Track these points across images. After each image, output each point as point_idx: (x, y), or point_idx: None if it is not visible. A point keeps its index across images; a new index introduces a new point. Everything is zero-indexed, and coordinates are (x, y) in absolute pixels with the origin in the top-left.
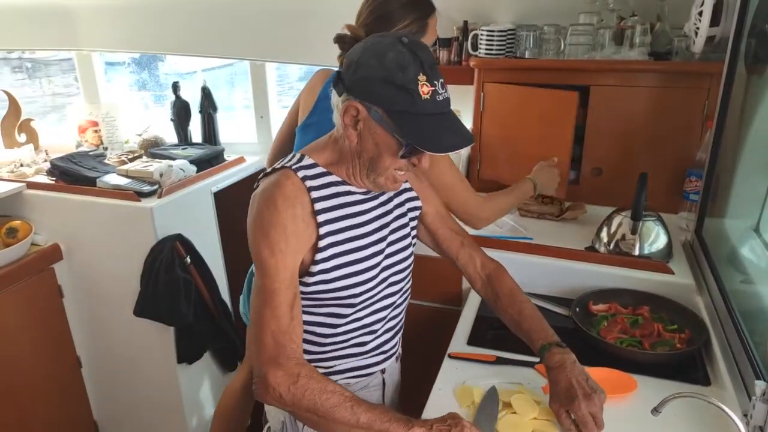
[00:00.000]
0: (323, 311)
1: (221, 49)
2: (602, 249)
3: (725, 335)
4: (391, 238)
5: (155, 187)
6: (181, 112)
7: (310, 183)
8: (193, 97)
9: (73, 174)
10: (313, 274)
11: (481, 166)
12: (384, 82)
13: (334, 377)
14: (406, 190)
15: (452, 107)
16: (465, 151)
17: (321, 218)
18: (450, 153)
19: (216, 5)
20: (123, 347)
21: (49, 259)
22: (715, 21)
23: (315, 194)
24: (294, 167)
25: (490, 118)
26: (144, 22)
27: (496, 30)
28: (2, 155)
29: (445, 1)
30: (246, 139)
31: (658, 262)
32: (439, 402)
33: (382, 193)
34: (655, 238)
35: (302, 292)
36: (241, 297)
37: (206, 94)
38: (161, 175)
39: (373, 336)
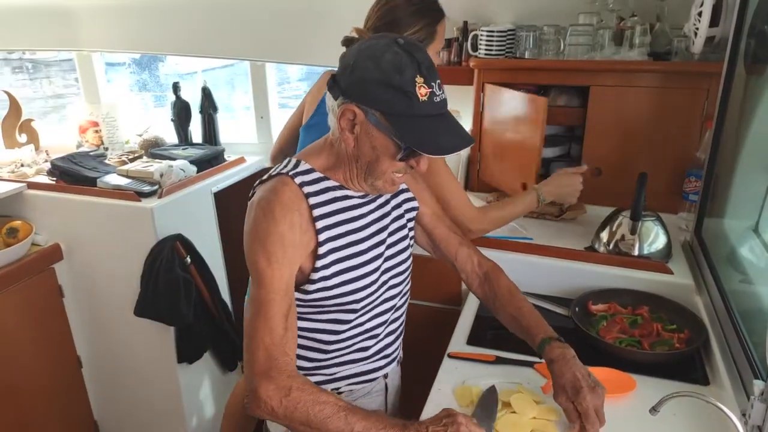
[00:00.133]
0: (325, 318)
1: (221, 50)
2: (602, 249)
3: (724, 335)
4: (389, 240)
5: (155, 187)
6: (181, 113)
7: (307, 189)
8: (193, 98)
9: (73, 174)
10: (313, 282)
11: (481, 167)
12: (381, 85)
13: (337, 384)
14: (402, 191)
15: (453, 107)
16: (465, 153)
17: (320, 224)
18: (448, 155)
19: (216, 5)
20: (123, 347)
21: (49, 259)
22: (714, 21)
23: (313, 200)
24: (291, 173)
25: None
26: (144, 22)
27: (496, 30)
28: (3, 155)
29: (445, 2)
30: (246, 140)
31: (658, 262)
32: (439, 402)
33: (379, 196)
34: (654, 238)
35: (303, 300)
36: (246, 297)
37: (206, 95)
38: (161, 176)
39: (375, 340)
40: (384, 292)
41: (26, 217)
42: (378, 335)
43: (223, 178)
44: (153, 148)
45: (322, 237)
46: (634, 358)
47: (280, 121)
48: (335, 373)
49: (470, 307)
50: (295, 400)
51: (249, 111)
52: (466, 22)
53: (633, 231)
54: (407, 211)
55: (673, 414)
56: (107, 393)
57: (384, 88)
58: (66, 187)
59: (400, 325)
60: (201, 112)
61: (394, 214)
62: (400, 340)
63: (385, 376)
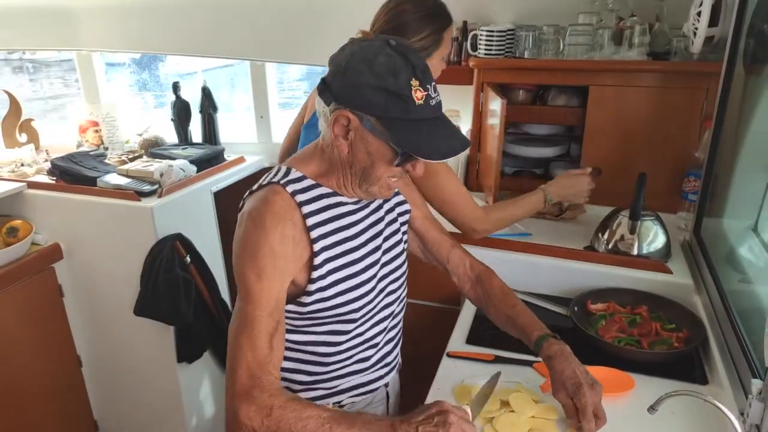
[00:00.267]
0: (323, 330)
1: (221, 49)
2: (601, 248)
3: (723, 334)
4: (385, 246)
5: (155, 186)
6: (181, 112)
7: (300, 197)
8: (193, 98)
9: (73, 174)
10: (310, 294)
11: (480, 167)
12: (376, 89)
13: (339, 397)
14: (394, 194)
15: (452, 107)
16: (464, 153)
17: (314, 234)
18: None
19: (216, 5)
20: (123, 346)
21: (49, 259)
22: (713, 21)
23: (306, 209)
24: (282, 182)
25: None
26: (144, 22)
27: (496, 30)
28: (3, 155)
29: (445, 2)
30: (246, 139)
31: (657, 262)
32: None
33: (373, 201)
34: (653, 237)
35: (300, 313)
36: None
37: (206, 94)
38: (161, 175)
39: (375, 350)
40: (382, 299)
41: (26, 217)
42: (378, 344)
43: (222, 178)
44: (153, 148)
45: (317, 247)
46: (632, 358)
47: (279, 120)
48: (336, 386)
49: (469, 306)
50: (277, 420)
51: (249, 111)
52: (465, 22)
53: (632, 230)
54: (400, 214)
55: (672, 413)
56: (107, 392)
57: (379, 93)
58: (66, 186)
59: (399, 331)
60: (201, 111)
61: (388, 218)
62: (399, 347)
63: (386, 384)
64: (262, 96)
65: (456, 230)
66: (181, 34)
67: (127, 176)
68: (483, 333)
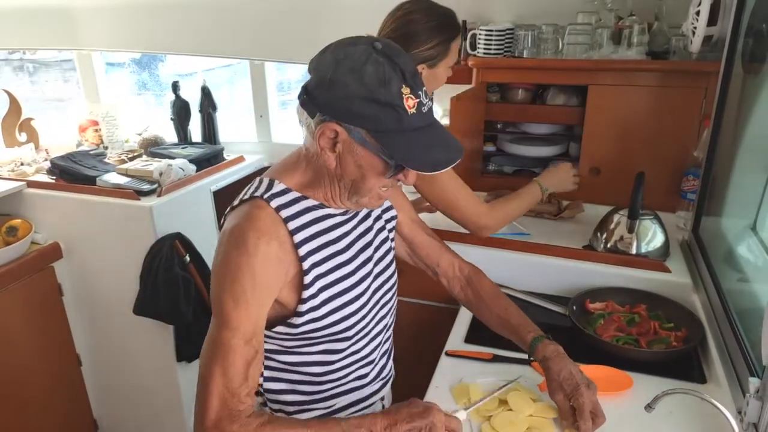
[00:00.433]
0: (316, 349)
1: (221, 49)
2: (600, 248)
3: (721, 333)
4: (376, 256)
5: (155, 186)
6: (180, 112)
7: (285, 212)
8: (193, 97)
9: (73, 173)
10: (301, 314)
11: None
12: (365, 101)
13: (335, 416)
14: None
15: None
16: None
17: (303, 251)
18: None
19: (216, 5)
20: (122, 345)
21: (49, 258)
22: (712, 21)
23: (292, 225)
24: (266, 197)
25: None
26: (144, 22)
27: (495, 30)
28: (3, 154)
29: (444, 2)
30: (245, 139)
31: (655, 261)
32: (436, 399)
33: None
34: (652, 236)
35: (291, 335)
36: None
37: (206, 94)
38: (161, 174)
39: (371, 366)
40: (377, 313)
41: (26, 216)
42: (374, 360)
43: (222, 177)
44: (152, 147)
45: (306, 264)
46: (631, 356)
47: (279, 120)
48: (332, 405)
49: None
50: None
51: (249, 110)
52: (464, 21)
53: (631, 230)
54: (387, 221)
55: (670, 412)
56: (106, 391)
57: (368, 104)
58: (65, 185)
59: (391, 343)
60: (200, 111)
61: (377, 226)
62: (391, 359)
63: (382, 398)
64: (261, 95)
65: (464, 230)
66: (180, 34)
67: (127, 175)
68: (481, 332)
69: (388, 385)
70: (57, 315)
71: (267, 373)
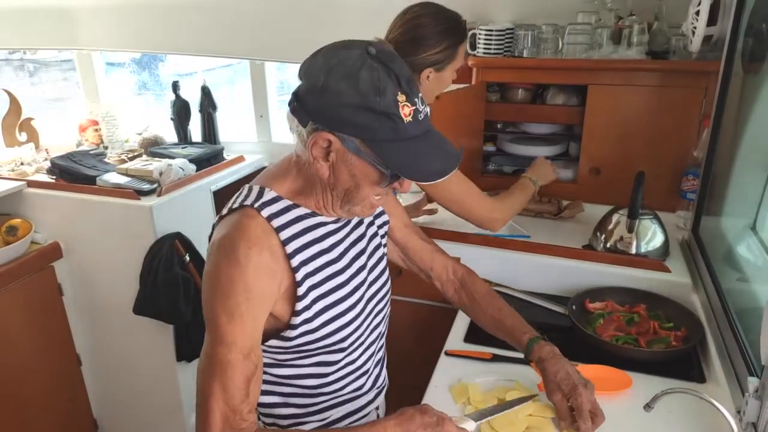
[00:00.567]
0: (310, 362)
1: (221, 49)
2: (599, 247)
3: (720, 333)
4: (370, 263)
5: (155, 185)
6: (180, 111)
7: (276, 222)
8: (193, 97)
9: (73, 173)
10: (296, 327)
11: None
12: (360, 109)
13: (338, 426)
14: None
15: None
16: None
17: (295, 261)
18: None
19: (216, 5)
20: (122, 345)
21: (49, 258)
22: (712, 20)
23: (284, 234)
24: (256, 206)
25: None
26: (144, 21)
27: (495, 29)
28: (3, 154)
29: (444, 1)
30: (245, 139)
31: (655, 261)
32: (436, 399)
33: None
34: (651, 236)
35: (284, 348)
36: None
37: (206, 93)
38: (161, 174)
39: (366, 377)
40: (371, 322)
41: (26, 216)
42: (368, 371)
43: (222, 177)
44: (152, 147)
45: (299, 275)
46: (630, 356)
47: (280, 120)
48: (328, 417)
49: None
50: None
51: (249, 110)
52: (464, 21)
53: (630, 229)
54: (380, 227)
55: (669, 411)
56: (106, 391)
57: (364, 113)
58: (65, 185)
59: (384, 351)
60: (200, 111)
61: (369, 233)
62: (385, 367)
63: (377, 408)
64: (261, 95)
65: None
66: (180, 34)
67: (127, 175)
68: (481, 331)
69: (383, 394)
70: (57, 315)
71: None
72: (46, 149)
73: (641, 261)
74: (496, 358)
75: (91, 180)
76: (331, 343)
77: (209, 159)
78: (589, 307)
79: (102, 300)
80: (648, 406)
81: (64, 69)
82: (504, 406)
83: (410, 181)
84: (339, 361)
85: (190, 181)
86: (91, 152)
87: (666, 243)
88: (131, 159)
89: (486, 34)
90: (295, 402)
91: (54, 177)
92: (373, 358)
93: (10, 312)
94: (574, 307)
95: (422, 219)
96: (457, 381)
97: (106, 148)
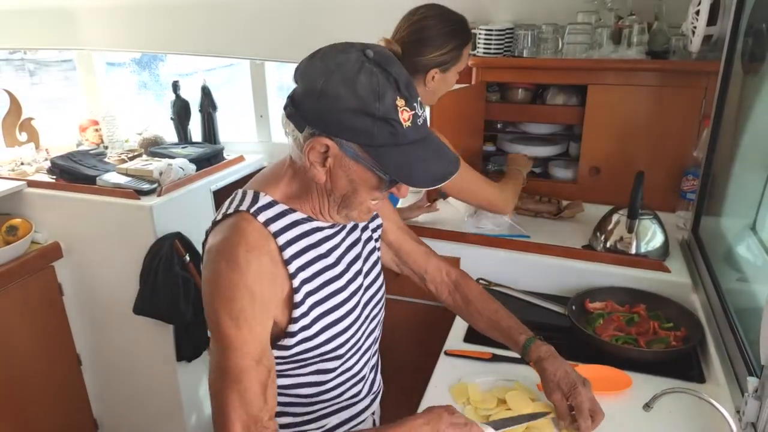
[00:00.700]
0: (307, 371)
1: (221, 49)
2: (599, 247)
3: (720, 333)
4: (366, 268)
5: (155, 185)
6: (181, 111)
7: (273, 227)
8: (193, 97)
9: (73, 172)
10: (293, 334)
11: None
12: (359, 114)
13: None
14: None
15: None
16: None
17: (293, 267)
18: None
19: (216, 5)
20: (122, 345)
21: (49, 257)
22: (712, 20)
23: (281, 239)
24: (252, 210)
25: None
26: (144, 21)
27: (495, 29)
28: (3, 154)
29: (444, 1)
30: (245, 138)
31: (655, 261)
32: (435, 399)
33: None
34: (651, 236)
35: (282, 357)
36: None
37: (206, 93)
38: (161, 174)
39: (362, 383)
40: (367, 327)
41: (26, 215)
42: (365, 377)
43: (222, 177)
44: (152, 147)
45: (296, 281)
46: (630, 356)
47: (279, 120)
48: (325, 425)
49: None
50: None
51: (249, 110)
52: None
53: (630, 229)
54: (374, 230)
55: (669, 411)
56: (106, 391)
57: (362, 118)
58: (66, 185)
59: (378, 356)
60: (200, 110)
61: (364, 237)
62: (379, 372)
63: (373, 413)
64: (261, 95)
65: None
66: (180, 34)
67: (127, 175)
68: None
69: (378, 399)
70: (57, 314)
71: None
72: (47, 149)
73: (641, 261)
74: (495, 358)
75: (91, 180)
76: (328, 350)
77: (209, 159)
78: (588, 307)
79: (102, 300)
80: (647, 406)
81: (64, 69)
82: (523, 418)
83: (407, 187)
84: (337, 368)
85: (190, 181)
86: (91, 152)
87: (666, 243)
88: (131, 159)
89: (486, 34)
90: (292, 411)
91: (54, 177)
92: (368, 364)
93: (10, 312)
94: (573, 307)
95: (422, 218)
96: (456, 381)
97: (106, 147)
